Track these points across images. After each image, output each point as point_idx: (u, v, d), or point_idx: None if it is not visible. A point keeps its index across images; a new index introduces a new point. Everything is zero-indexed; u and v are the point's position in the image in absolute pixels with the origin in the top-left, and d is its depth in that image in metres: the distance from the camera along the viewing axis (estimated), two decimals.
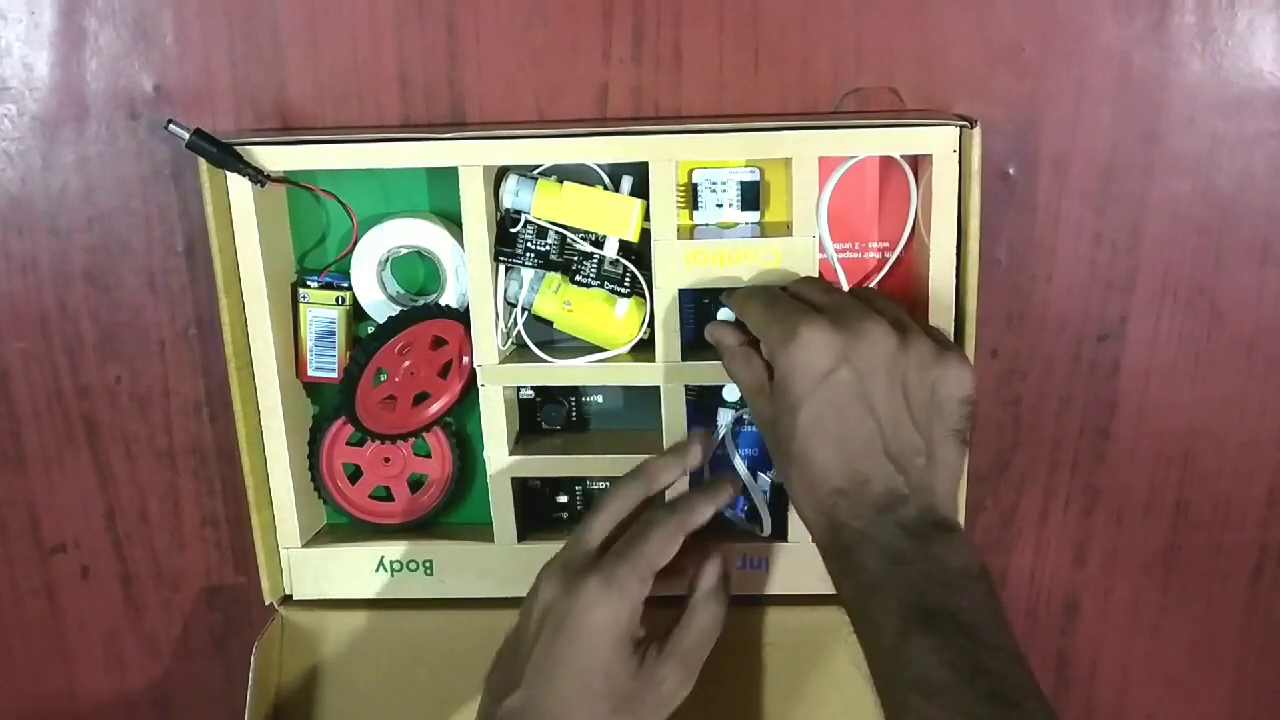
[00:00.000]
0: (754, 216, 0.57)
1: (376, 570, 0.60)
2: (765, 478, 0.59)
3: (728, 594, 0.51)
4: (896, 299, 0.53)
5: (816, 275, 0.54)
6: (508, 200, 0.56)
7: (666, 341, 0.55)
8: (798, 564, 0.59)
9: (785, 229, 0.55)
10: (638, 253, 0.56)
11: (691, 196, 0.57)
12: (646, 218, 0.55)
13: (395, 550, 0.60)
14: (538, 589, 0.50)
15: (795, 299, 0.51)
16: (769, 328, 0.49)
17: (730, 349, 0.52)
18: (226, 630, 0.68)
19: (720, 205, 0.57)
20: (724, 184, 0.57)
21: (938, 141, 0.52)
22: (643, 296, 0.56)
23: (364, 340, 0.57)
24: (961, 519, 0.47)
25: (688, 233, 0.56)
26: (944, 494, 0.47)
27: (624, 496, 0.52)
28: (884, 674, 0.44)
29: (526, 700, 0.47)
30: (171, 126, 0.52)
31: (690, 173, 0.57)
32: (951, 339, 0.53)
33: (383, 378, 0.57)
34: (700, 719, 0.59)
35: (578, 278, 0.56)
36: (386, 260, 0.58)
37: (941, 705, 0.41)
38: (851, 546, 0.45)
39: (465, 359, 0.58)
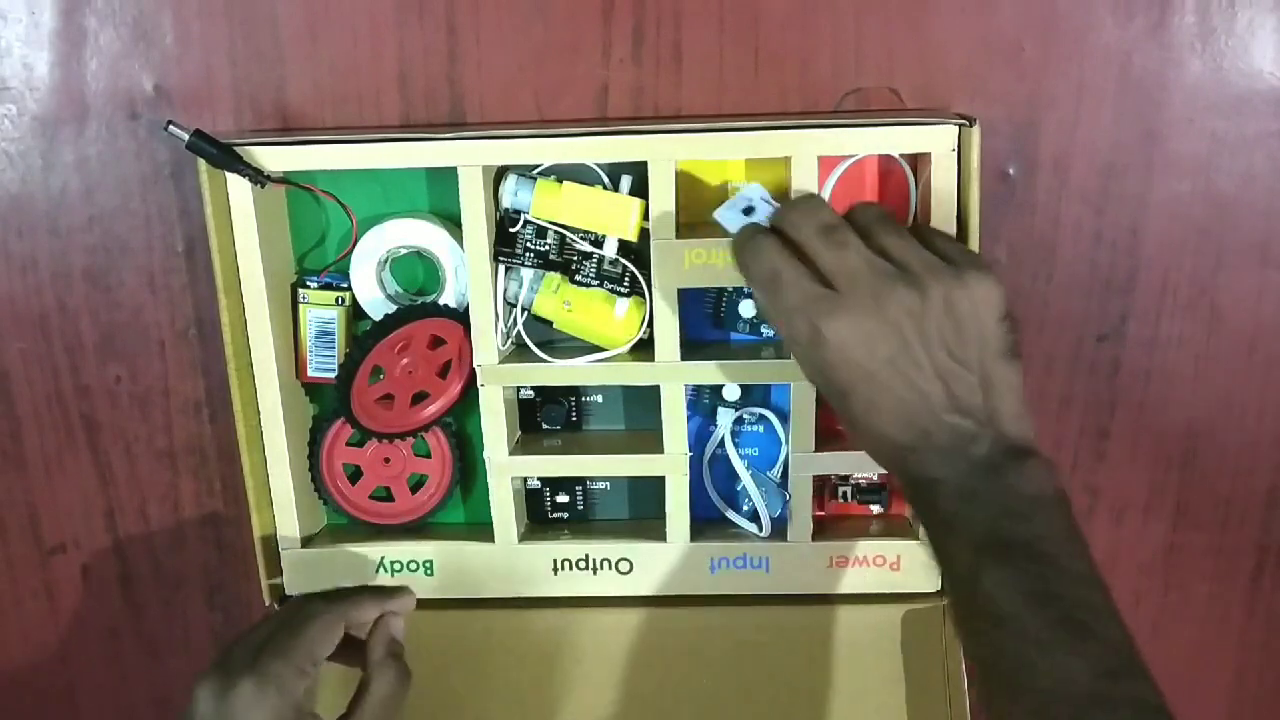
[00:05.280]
0: None
1: (376, 570, 0.60)
2: (765, 478, 0.59)
3: (401, 658, 0.53)
4: (891, 212, 0.50)
5: (812, 198, 0.50)
6: (507, 200, 0.56)
7: (666, 341, 0.55)
8: (798, 564, 0.59)
9: None
10: (637, 252, 0.56)
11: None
12: (646, 217, 0.55)
13: (395, 550, 0.60)
14: (195, 699, 0.47)
15: (802, 260, 0.47)
16: (790, 319, 0.47)
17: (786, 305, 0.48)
18: (226, 630, 0.68)
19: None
20: None
21: (936, 140, 0.52)
22: (642, 296, 0.56)
23: (360, 336, 0.57)
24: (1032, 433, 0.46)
25: (698, 231, 0.56)
26: (1011, 416, 0.46)
27: (295, 611, 0.51)
28: (961, 610, 0.45)
29: None
30: (171, 128, 0.52)
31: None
32: (963, 244, 0.51)
33: (380, 375, 0.57)
34: (697, 717, 0.59)
35: (577, 277, 0.56)
36: (386, 260, 0.58)
37: (1010, 632, 0.41)
38: (924, 491, 0.45)
39: (464, 359, 0.58)
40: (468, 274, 0.56)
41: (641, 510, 0.61)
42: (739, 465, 0.58)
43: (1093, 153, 0.58)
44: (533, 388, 0.60)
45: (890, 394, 0.45)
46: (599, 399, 0.61)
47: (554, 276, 0.57)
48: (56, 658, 0.69)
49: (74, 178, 0.61)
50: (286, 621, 0.50)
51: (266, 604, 0.60)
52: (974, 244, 0.52)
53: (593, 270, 0.56)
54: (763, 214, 0.50)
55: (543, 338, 0.58)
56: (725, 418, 0.59)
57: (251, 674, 0.47)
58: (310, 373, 0.58)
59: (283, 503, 0.59)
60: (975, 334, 0.46)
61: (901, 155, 0.55)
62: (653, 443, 0.57)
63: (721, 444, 0.59)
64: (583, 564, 0.59)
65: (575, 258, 0.56)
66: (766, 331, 0.58)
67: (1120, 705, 0.40)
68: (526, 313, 0.57)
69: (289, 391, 0.58)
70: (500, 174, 0.56)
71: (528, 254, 0.56)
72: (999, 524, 0.44)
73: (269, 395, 0.57)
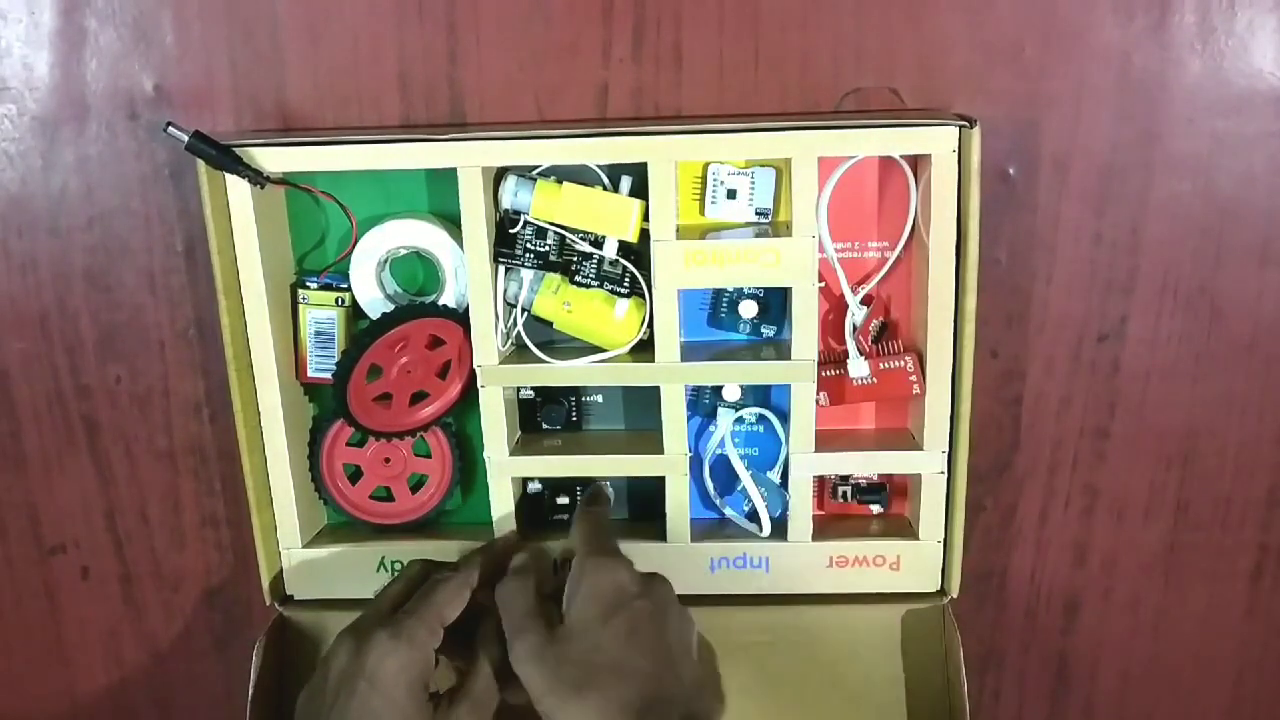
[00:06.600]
0: (767, 200, 0.57)
1: (376, 570, 0.60)
2: (765, 478, 0.59)
3: None
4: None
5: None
6: (507, 201, 0.56)
7: (666, 341, 0.55)
8: (798, 564, 0.59)
9: (785, 229, 0.55)
10: (637, 253, 0.56)
11: (702, 189, 0.57)
12: (646, 218, 0.55)
13: (395, 550, 0.60)
14: (333, 651, 0.51)
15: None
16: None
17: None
18: (226, 630, 0.68)
19: (733, 195, 0.57)
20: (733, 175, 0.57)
21: (937, 141, 0.52)
22: (642, 297, 0.56)
23: (357, 334, 0.57)
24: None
25: (697, 232, 0.56)
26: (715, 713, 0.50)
27: (422, 573, 0.55)
28: None
29: None
30: (171, 129, 0.52)
31: (705, 167, 0.56)
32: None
33: (378, 374, 0.57)
34: None
35: (577, 278, 0.56)
36: (386, 261, 0.58)
37: None
38: None
39: (464, 359, 0.58)
40: (467, 275, 0.56)
41: (641, 510, 0.61)
42: (739, 465, 0.58)
43: (1093, 153, 0.58)
44: (533, 388, 0.60)
45: (626, 665, 0.48)
46: (599, 399, 0.61)
47: (554, 277, 0.57)
48: (57, 658, 0.69)
49: (74, 178, 0.61)
50: (416, 584, 0.54)
51: (267, 604, 0.60)
52: (974, 244, 0.52)
53: (593, 271, 0.56)
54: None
55: (543, 338, 0.58)
56: (725, 418, 0.59)
57: (386, 628, 0.50)
58: (310, 373, 0.58)
59: (283, 503, 0.59)
60: (681, 640, 0.51)
61: (902, 156, 0.55)
62: (653, 443, 0.57)
63: (721, 444, 0.59)
64: None
65: (575, 258, 0.56)
66: (766, 331, 0.58)
67: None
68: (526, 313, 0.57)
69: (289, 392, 0.58)
70: (500, 174, 0.56)
71: (527, 254, 0.56)
72: None
73: (269, 395, 0.57)
